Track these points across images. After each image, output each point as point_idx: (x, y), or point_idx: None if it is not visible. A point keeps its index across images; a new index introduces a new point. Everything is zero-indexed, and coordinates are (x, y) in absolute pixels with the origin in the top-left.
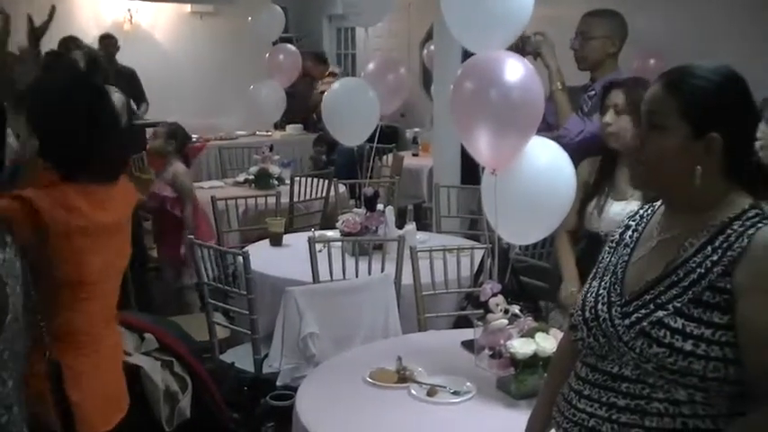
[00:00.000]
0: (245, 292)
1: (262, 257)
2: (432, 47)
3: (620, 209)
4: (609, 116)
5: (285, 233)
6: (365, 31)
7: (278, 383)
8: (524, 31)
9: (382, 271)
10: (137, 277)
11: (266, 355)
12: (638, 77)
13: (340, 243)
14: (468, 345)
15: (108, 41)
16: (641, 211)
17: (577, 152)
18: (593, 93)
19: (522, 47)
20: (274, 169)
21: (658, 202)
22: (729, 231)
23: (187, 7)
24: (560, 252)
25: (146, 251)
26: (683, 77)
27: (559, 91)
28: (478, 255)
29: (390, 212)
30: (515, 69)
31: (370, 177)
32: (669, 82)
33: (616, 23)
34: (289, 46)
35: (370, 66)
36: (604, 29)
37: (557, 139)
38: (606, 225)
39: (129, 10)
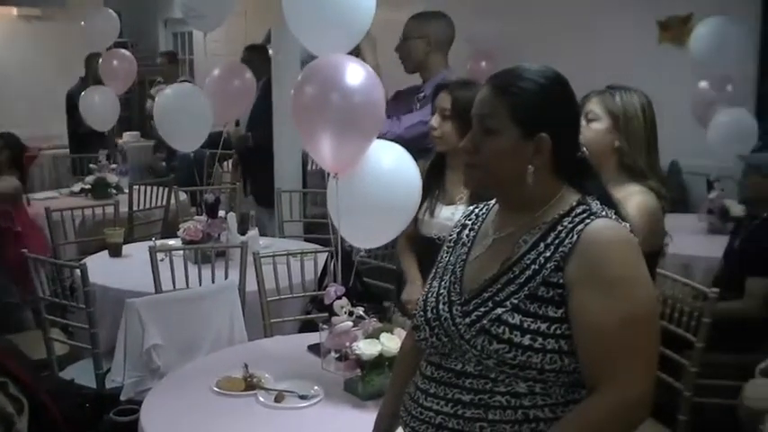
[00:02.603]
0: (83, 306)
1: (101, 269)
2: (270, 52)
3: (450, 213)
4: (435, 120)
5: (125, 243)
6: (203, 36)
7: (122, 398)
8: None
9: (226, 278)
10: None
11: (108, 370)
12: (466, 80)
13: (182, 251)
14: (315, 348)
15: None
16: (477, 211)
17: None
18: (422, 95)
19: None
20: (112, 178)
21: (492, 201)
22: (560, 228)
23: (13, 11)
24: (402, 256)
25: None
26: (511, 80)
27: None
28: (322, 258)
29: (232, 219)
30: (356, 73)
31: (212, 184)
32: (498, 85)
33: (434, 24)
34: (123, 51)
35: (216, 71)
36: (421, 30)
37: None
38: (438, 229)
39: None
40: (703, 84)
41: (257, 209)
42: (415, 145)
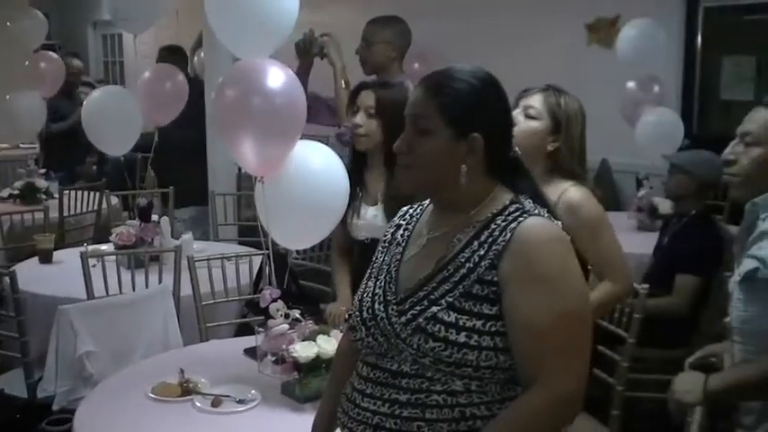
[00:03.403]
0: (13, 314)
1: (31, 276)
2: (202, 54)
3: (374, 212)
4: (360, 118)
5: (56, 249)
6: (133, 39)
7: (54, 407)
8: (311, 30)
9: (160, 283)
10: None
11: (40, 379)
12: (387, 81)
13: (115, 257)
14: (251, 352)
15: None
16: (411, 211)
17: None
18: None
19: (308, 48)
20: (41, 183)
21: (426, 201)
22: (494, 226)
23: None
24: (335, 273)
25: None
26: (444, 81)
27: (343, 89)
28: (257, 261)
29: (166, 223)
30: (277, 76)
31: (144, 188)
32: (430, 86)
33: (397, 30)
34: (51, 54)
35: (147, 74)
36: (385, 35)
37: (338, 137)
38: (367, 231)
39: None
40: (631, 84)
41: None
42: None
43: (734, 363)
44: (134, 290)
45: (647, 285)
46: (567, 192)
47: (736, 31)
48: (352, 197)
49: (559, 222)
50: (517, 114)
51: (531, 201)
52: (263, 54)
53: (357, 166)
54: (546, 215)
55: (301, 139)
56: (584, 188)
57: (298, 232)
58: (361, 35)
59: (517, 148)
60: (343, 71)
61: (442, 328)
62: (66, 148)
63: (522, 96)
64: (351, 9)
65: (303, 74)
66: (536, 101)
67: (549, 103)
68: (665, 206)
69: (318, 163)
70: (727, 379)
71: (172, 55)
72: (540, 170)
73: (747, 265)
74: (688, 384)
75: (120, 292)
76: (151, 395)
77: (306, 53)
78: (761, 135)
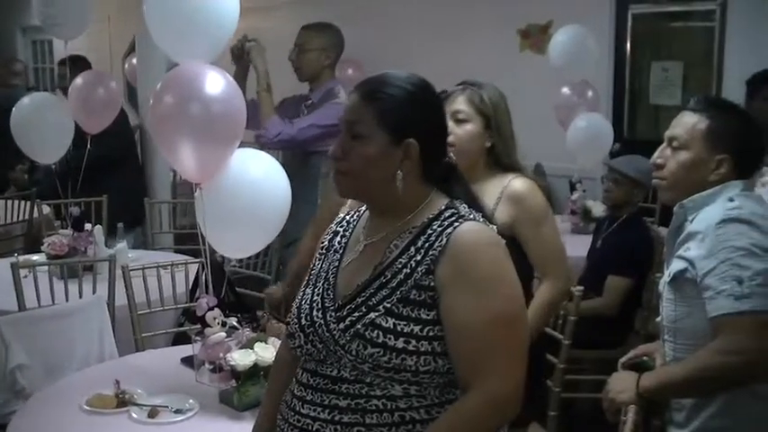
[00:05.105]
0: None
1: None
2: (134, 60)
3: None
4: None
5: None
6: (64, 45)
7: None
8: (244, 35)
9: (94, 293)
10: None
11: None
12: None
13: (47, 267)
14: (188, 361)
15: None
16: (348, 217)
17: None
18: (309, 102)
19: (242, 53)
20: None
21: (363, 208)
22: (430, 231)
23: None
24: (300, 256)
25: None
26: (379, 87)
27: (264, 93)
28: (193, 269)
29: (99, 232)
30: (216, 82)
31: (78, 196)
32: (366, 92)
33: (330, 36)
34: None
35: (78, 80)
36: (319, 41)
37: (257, 138)
38: None
39: None
40: (566, 90)
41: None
42: (307, 147)
43: (665, 362)
44: (67, 300)
45: (581, 288)
46: (512, 183)
47: (664, 37)
48: None
49: (494, 227)
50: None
51: (466, 206)
52: (205, 59)
53: None
54: (481, 220)
55: (241, 146)
56: (527, 180)
57: (236, 241)
58: (295, 41)
59: (454, 151)
60: (266, 75)
61: (381, 333)
62: None
63: (443, 101)
64: (288, 15)
65: (240, 79)
66: (461, 103)
67: (474, 101)
68: (597, 209)
69: (258, 171)
70: (658, 378)
71: (74, 65)
72: (480, 168)
73: (676, 265)
74: (621, 384)
75: (53, 303)
76: (86, 407)
77: (240, 58)
78: (687, 139)
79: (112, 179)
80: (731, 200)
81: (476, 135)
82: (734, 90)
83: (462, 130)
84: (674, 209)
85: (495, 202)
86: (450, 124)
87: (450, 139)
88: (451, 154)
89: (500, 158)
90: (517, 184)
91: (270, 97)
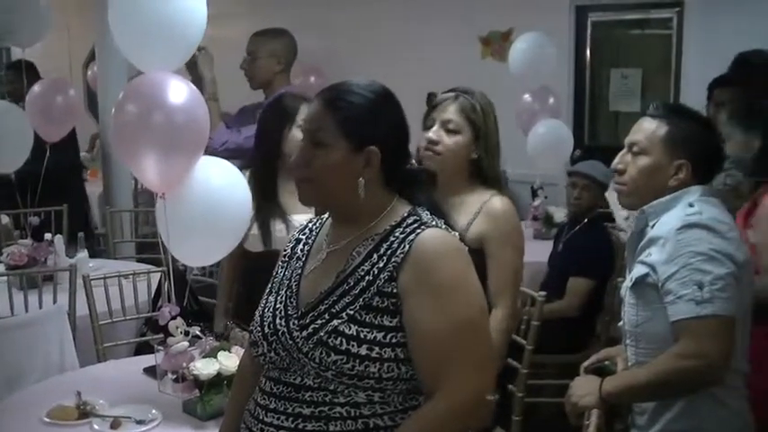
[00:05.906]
0: None
1: None
2: (95, 68)
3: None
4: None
5: None
6: (22, 52)
7: None
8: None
9: (54, 303)
10: None
11: None
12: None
13: (6, 277)
14: (151, 371)
15: None
16: (310, 225)
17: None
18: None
19: (195, 62)
20: None
21: (326, 215)
22: (392, 238)
23: None
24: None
25: None
26: (340, 95)
27: (211, 101)
28: (155, 278)
29: (60, 241)
30: (179, 91)
31: (36, 206)
32: (327, 99)
33: (282, 42)
34: None
35: (36, 88)
36: (270, 48)
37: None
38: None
39: None
40: (527, 96)
41: None
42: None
43: (627, 366)
44: (27, 311)
45: (544, 293)
46: (491, 201)
47: (623, 45)
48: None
49: (457, 233)
50: (437, 130)
51: (428, 212)
52: (169, 67)
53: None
54: (443, 227)
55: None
56: (506, 199)
57: (199, 249)
58: (246, 48)
59: (433, 163)
60: (213, 83)
61: (344, 341)
62: None
63: (434, 109)
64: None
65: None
66: (453, 113)
67: (466, 111)
68: (559, 215)
69: (220, 180)
70: (620, 382)
71: (20, 73)
72: (462, 178)
73: (638, 270)
74: (584, 388)
75: (12, 314)
76: (46, 419)
77: (193, 66)
78: (647, 145)
79: (73, 188)
80: (691, 205)
81: (463, 146)
82: (692, 96)
83: (451, 141)
84: (636, 214)
85: (473, 216)
86: (440, 132)
87: (438, 147)
88: (431, 162)
89: (483, 171)
90: (497, 202)
91: (217, 106)
